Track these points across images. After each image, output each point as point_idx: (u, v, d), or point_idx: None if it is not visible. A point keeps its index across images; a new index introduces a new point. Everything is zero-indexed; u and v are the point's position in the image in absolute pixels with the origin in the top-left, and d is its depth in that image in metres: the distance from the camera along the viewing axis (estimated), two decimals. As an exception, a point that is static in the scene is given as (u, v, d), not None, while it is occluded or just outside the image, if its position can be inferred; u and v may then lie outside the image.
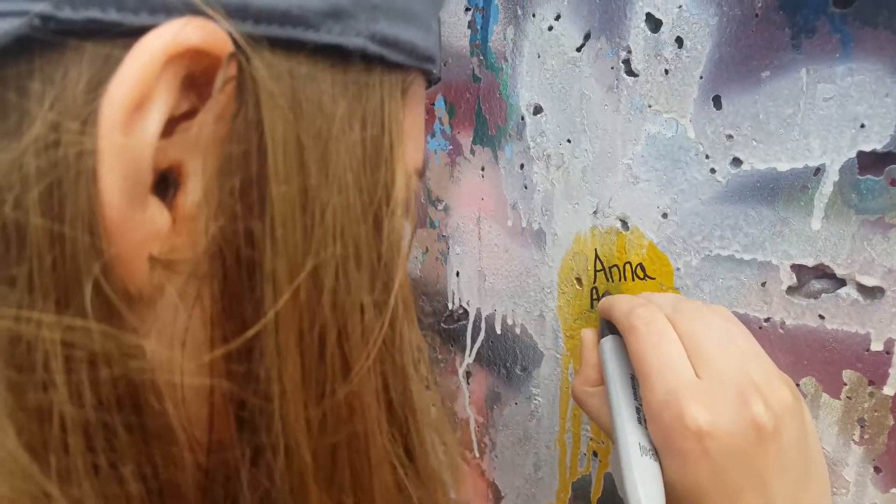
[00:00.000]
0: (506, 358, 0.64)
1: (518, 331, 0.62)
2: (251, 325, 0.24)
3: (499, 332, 0.64)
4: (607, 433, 0.46)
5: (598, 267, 0.54)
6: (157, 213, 0.23)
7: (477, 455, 0.70)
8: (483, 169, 0.60)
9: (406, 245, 0.29)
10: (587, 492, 0.59)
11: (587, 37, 0.50)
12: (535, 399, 0.62)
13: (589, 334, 0.51)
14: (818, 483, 0.39)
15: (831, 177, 0.41)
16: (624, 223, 0.51)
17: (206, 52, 0.22)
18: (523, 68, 0.55)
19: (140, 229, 0.22)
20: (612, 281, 0.53)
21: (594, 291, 0.55)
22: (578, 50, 0.51)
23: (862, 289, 0.41)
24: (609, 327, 0.47)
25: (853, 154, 0.40)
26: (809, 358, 0.44)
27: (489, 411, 0.67)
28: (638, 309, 0.42)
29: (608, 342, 0.47)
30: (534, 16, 0.53)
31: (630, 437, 0.39)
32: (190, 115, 0.23)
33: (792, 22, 0.40)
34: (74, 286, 0.21)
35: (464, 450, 0.71)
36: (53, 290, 0.21)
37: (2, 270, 0.21)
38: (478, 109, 0.59)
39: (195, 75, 0.23)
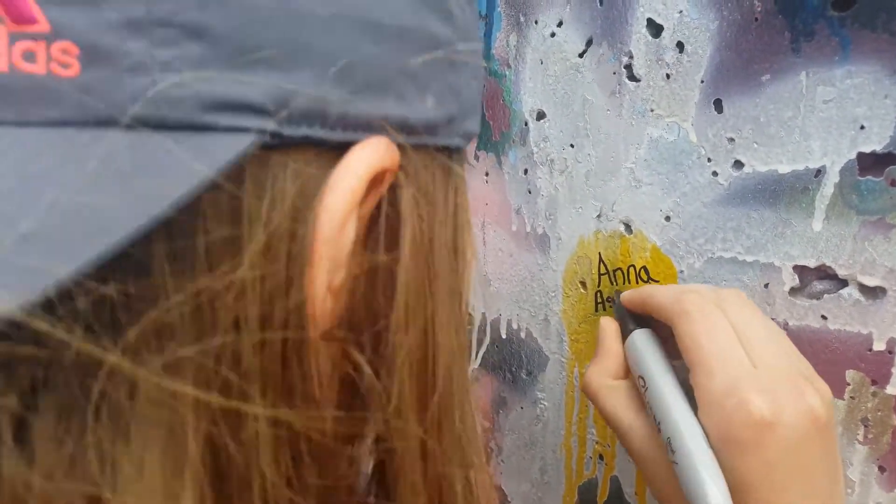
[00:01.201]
0: (511, 362, 0.64)
1: (523, 335, 0.62)
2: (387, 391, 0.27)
3: (504, 336, 0.64)
4: (620, 430, 0.44)
5: (603, 270, 0.54)
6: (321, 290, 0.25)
7: (484, 460, 0.70)
8: (487, 174, 0.61)
9: (466, 315, 0.32)
10: (594, 495, 0.60)
11: (589, 43, 0.51)
12: (541, 403, 0.63)
13: (610, 324, 0.49)
14: (840, 481, 0.39)
15: (832, 178, 0.41)
16: (627, 227, 0.52)
17: (392, 170, 0.25)
18: (526, 74, 0.55)
19: (324, 314, 0.24)
20: (616, 284, 0.54)
21: (598, 295, 0.55)
22: (581, 56, 0.51)
23: (864, 289, 0.42)
24: (634, 321, 0.46)
25: (853, 155, 0.40)
26: (812, 358, 0.44)
27: (495, 416, 0.67)
28: (688, 294, 0.41)
29: (642, 335, 0.45)
30: (536, 23, 0.54)
31: (697, 430, 0.37)
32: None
33: (791, 25, 0.41)
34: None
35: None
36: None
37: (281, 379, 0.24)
38: (482, 115, 0.59)
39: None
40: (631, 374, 0.45)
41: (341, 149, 0.24)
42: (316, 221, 0.23)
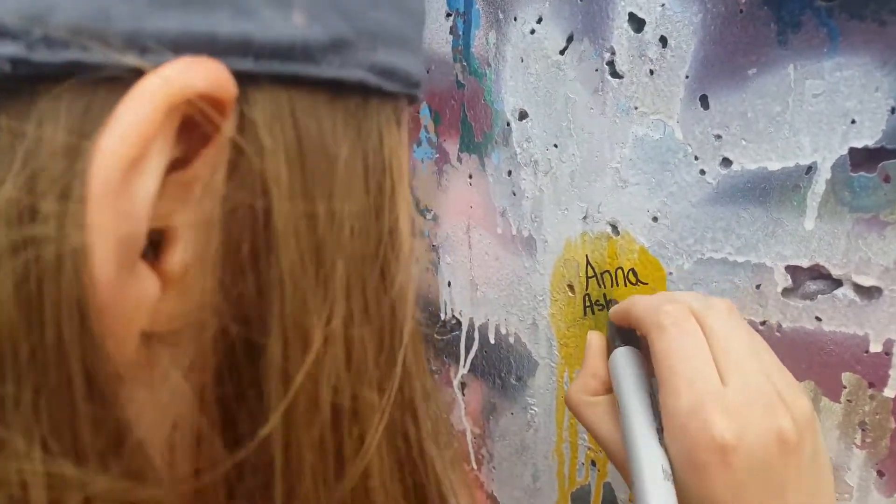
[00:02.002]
0: (500, 368, 0.62)
1: (512, 340, 0.61)
2: (256, 406, 0.22)
3: (492, 341, 0.62)
4: (603, 444, 0.44)
5: (590, 273, 0.53)
6: (146, 281, 0.20)
7: (475, 467, 0.69)
8: (470, 177, 0.59)
9: (413, 294, 0.27)
10: (586, 502, 0.58)
11: (570, 39, 0.49)
12: (532, 409, 0.61)
13: (596, 339, 0.48)
14: (828, 493, 0.38)
15: (823, 175, 0.40)
16: (614, 228, 0.50)
17: (213, 97, 0.20)
18: (507, 73, 0.54)
19: (130, 302, 0.20)
20: (604, 287, 0.52)
21: (587, 298, 0.53)
22: (562, 53, 0.50)
23: (859, 289, 0.40)
24: (621, 337, 0.45)
25: (845, 151, 0.39)
26: (808, 361, 0.43)
27: (485, 422, 0.66)
28: (666, 306, 0.40)
29: (623, 353, 0.43)
30: (515, 19, 0.52)
31: (653, 460, 0.37)
32: (181, 163, 0.21)
33: (777, 17, 0.39)
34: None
35: (461, 462, 0.70)
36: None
37: None
38: (463, 116, 0.58)
39: (192, 119, 0.20)
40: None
41: (138, 77, 0.18)
42: (89, 170, 0.18)
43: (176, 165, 0.20)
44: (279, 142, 0.22)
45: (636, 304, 0.42)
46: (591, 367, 0.46)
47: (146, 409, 0.21)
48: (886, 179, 0.38)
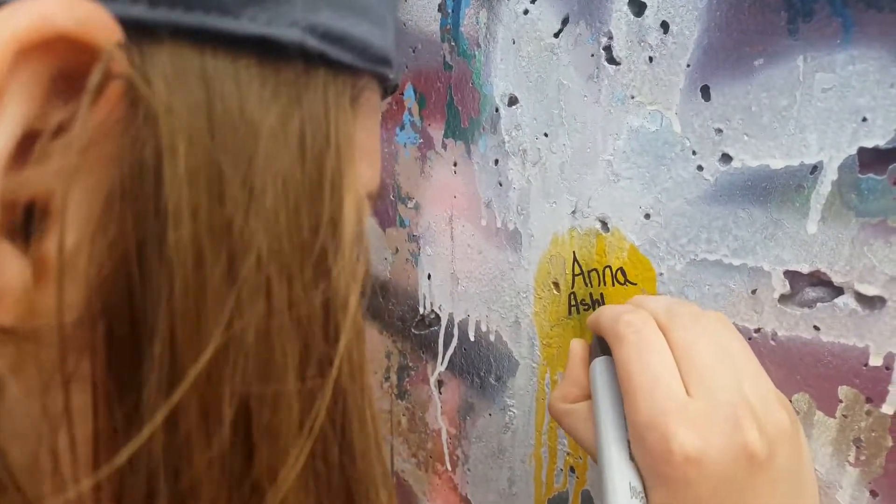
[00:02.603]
0: (479, 367, 0.60)
1: (492, 338, 0.58)
2: (146, 415, 0.19)
3: (472, 339, 0.60)
4: (588, 451, 0.42)
5: (577, 271, 0.50)
6: (12, 265, 0.17)
7: (449, 468, 0.66)
8: (455, 164, 0.56)
9: (356, 296, 0.24)
10: (564, 510, 0.56)
11: (565, 21, 0.46)
12: (510, 410, 0.58)
13: (578, 348, 0.46)
14: None
15: (829, 175, 0.37)
16: (604, 224, 0.48)
17: (82, 41, 0.17)
18: (497, 55, 0.51)
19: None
20: (591, 286, 0.49)
21: (572, 297, 0.51)
22: (556, 36, 0.47)
23: (861, 298, 0.38)
24: (602, 346, 0.43)
25: (854, 151, 0.36)
26: (803, 372, 0.41)
27: (462, 422, 0.63)
28: (626, 315, 0.38)
29: (600, 364, 0.42)
30: (508, -1, 0.49)
31: (620, 478, 0.35)
32: (62, 130, 0.18)
33: (788, 4, 0.37)
34: None
35: (435, 462, 0.67)
36: None
37: None
38: (449, 100, 0.55)
39: (70, 75, 0.17)
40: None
41: None
42: None
43: (56, 134, 0.17)
44: (180, 104, 0.19)
45: (602, 314, 0.41)
46: (573, 376, 0.45)
47: (7, 416, 0.18)
48: (897, 183, 0.35)
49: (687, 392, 0.35)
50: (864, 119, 0.35)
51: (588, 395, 0.43)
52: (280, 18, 0.20)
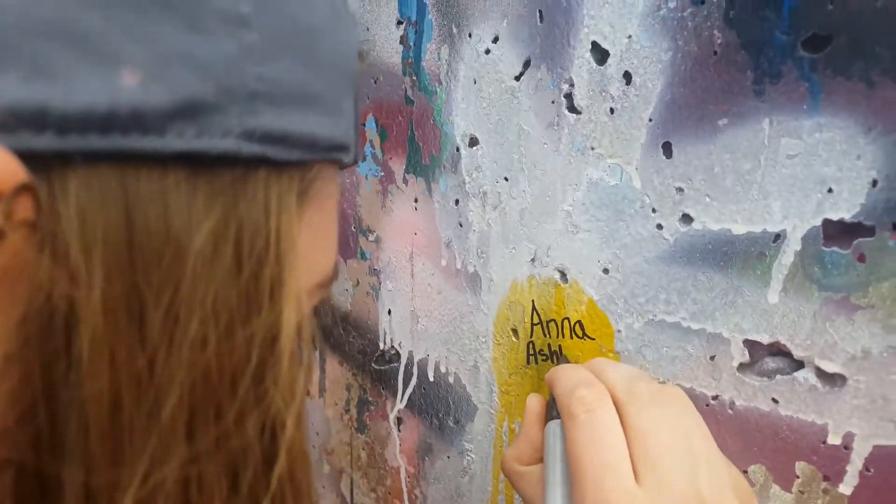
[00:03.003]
0: (438, 408, 0.58)
1: (451, 380, 0.56)
2: None
3: (431, 379, 0.58)
4: None
5: (536, 320, 0.48)
6: None
7: (407, 506, 0.64)
8: (416, 201, 0.54)
9: (295, 416, 0.22)
10: (518, 561, 0.54)
11: (527, 64, 0.44)
12: (468, 455, 0.56)
13: (535, 405, 0.43)
14: None
15: (792, 245, 0.35)
16: (563, 275, 0.45)
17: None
18: (458, 94, 0.48)
19: None
20: (550, 336, 0.47)
21: (531, 346, 0.49)
22: (517, 79, 0.45)
23: (821, 374, 0.36)
24: (557, 407, 0.40)
25: (818, 222, 0.34)
26: (760, 445, 0.39)
27: (420, 462, 0.61)
28: (581, 390, 0.36)
29: (555, 427, 0.39)
30: (470, 36, 0.47)
31: None
32: None
33: (755, 64, 0.35)
34: None
35: (394, 499, 0.66)
36: None
37: None
38: (410, 135, 0.53)
39: None
40: None
41: None
42: None
43: None
44: (96, 234, 0.17)
45: (557, 380, 0.38)
46: (528, 435, 0.42)
47: None
48: (861, 259, 0.33)
49: (637, 479, 0.32)
50: (830, 190, 0.33)
51: (541, 458, 0.41)
52: (211, 129, 0.19)
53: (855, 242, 0.33)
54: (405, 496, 0.64)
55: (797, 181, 0.34)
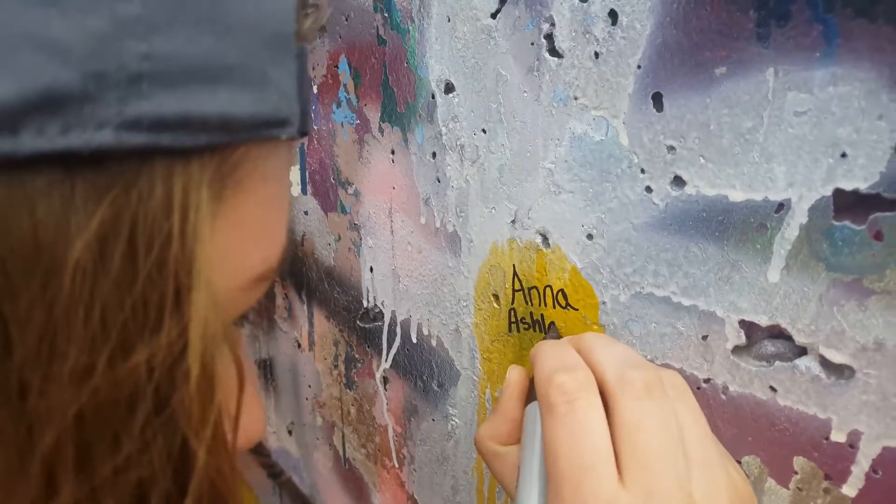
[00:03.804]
0: (422, 370, 0.55)
1: (434, 343, 0.52)
2: None
3: (415, 340, 0.54)
4: (512, 499, 0.37)
5: (517, 286, 0.44)
6: None
7: (396, 465, 0.62)
8: (393, 153, 0.49)
9: (206, 445, 0.20)
10: (504, 530, 0.52)
11: (503, 0, 0.38)
12: (452, 420, 0.53)
13: (516, 379, 0.39)
14: None
15: (798, 217, 0.30)
16: (545, 239, 0.41)
17: None
18: (432, 33, 0.43)
19: None
20: (532, 304, 0.43)
21: (512, 313, 0.45)
22: (493, 16, 0.39)
23: (826, 364, 0.31)
24: None
25: (828, 191, 0.29)
26: (755, 434, 0.35)
27: (407, 423, 0.59)
28: (561, 375, 0.31)
29: (536, 411, 0.35)
30: (442, -34, 0.41)
31: None
32: None
33: (759, 2, 0.29)
34: None
35: (383, 457, 0.63)
36: None
37: None
38: (384, 79, 0.48)
39: None
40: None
41: None
42: None
43: None
44: None
45: (537, 360, 0.33)
46: (506, 411, 0.38)
47: None
48: (877, 236, 0.28)
49: (622, 480, 0.29)
50: (844, 154, 0.28)
51: (518, 438, 0.37)
52: (82, 122, 0.15)
53: (871, 217, 0.28)
54: (394, 455, 0.62)
55: (805, 143, 0.29)
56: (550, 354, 0.34)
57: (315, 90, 0.54)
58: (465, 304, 0.48)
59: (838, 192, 0.29)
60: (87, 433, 0.18)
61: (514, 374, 0.39)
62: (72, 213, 0.16)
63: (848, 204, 0.29)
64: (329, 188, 0.57)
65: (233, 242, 0.21)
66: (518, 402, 0.38)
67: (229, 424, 0.23)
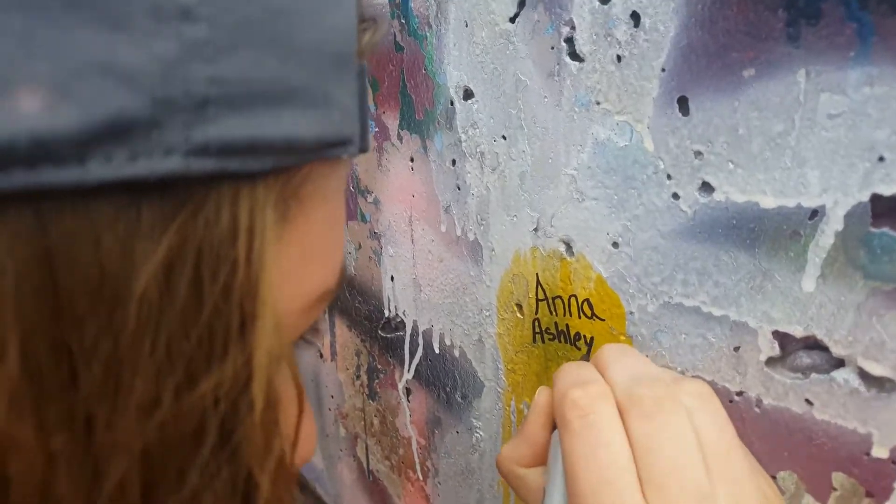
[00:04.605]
0: (445, 381, 0.54)
1: (457, 353, 0.52)
2: None
3: (437, 351, 0.53)
4: None
5: (541, 296, 0.43)
6: None
7: (420, 477, 0.61)
8: (412, 160, 0.49)
9: (275, 458, 0.20)
10: (530, 546, 0.50)
11: (522, 4, 0.37)
12: (477, 432, 0.53)
13: (543, 400, 0.37)
14: None
15: (833, 224, 0.29)
16: (568, 247, 0.40)
17: None
18: (450, 39, 0.42)
19: None
20: (556, 314, 0.42)
21: (536, 324, 0.44)
22: (512, 21, 0.38)
23: (865, 376, 0.30)
24: None
25: (866, 197, 0.28)
26: (791, 450, 0.33)
27: (431, 435, 0.58)
28: (574, 392, 0.30)
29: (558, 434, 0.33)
30: (459, -29, 0.40)
31: None
32: None
33: (789, 1, 0.28)
34: None
35: (407, 469, 0.63)
36: None
37: None
38: (402, 87, 0.47)
39: None
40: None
41: None
42: None
43: None
44: (12, 290, 0.15)
45: (554, 383, 0.33)
46: (529, 434, 0.36)
47: None
48: (919, 244, 0.27)
49: (644, 498, 0.27)
50: (882, 158, 0.27)
51: (543, 460, 0.36)
52: (149, 149, 0.15)
53: (912, 223, 0.27)
54: (418, 467, 0.61)
55: (840, 146, 0.28)
56: (567, 372, 0.33)
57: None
58: (487, 313, 0.47)
59: (876, 198, 0.27)
60: (153, 467, 0.17)
61: (542, 397, 0.37)
62: (138, 241, 0.16)
63: (886, 210, 0.27)
64: (349, 197, 0.56)
65: (295, 264, 0.20)
66: (543, 425, 0.36)
67: (288, 448, 0.23)
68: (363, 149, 0.22)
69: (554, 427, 0.36)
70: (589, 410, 0.29)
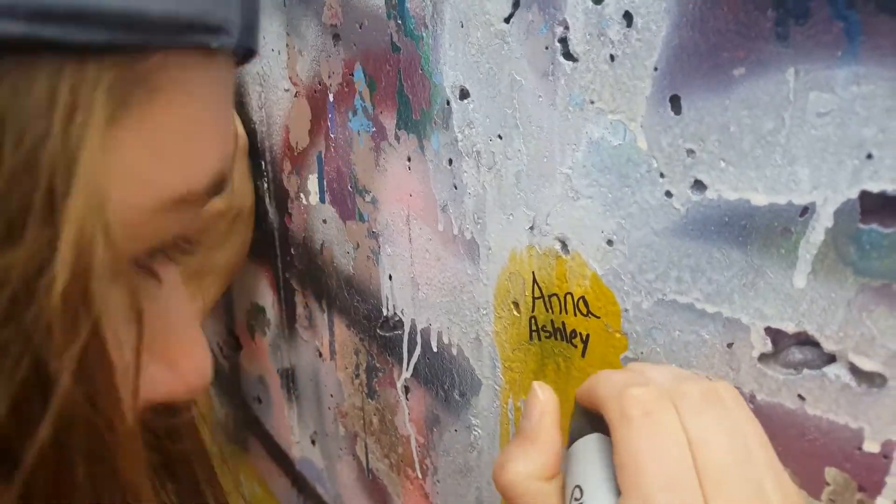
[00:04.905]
0: (443, 379, 0.54)
1: (454, 352, 0.52)
2: None
3: (435, 349, 0.54)
4: None
5: (537, 294, 0.43)
6: None
7: (420, 476, 0.62)
8: (409, 160, 0.49)
9: (77, 351, 0.18)
10: (528, 543, 0.51)
11: (516, 4, 0.38)
12: (475, 430, 0.53)
13: (548, 397, 0.35)
14: None
15: (823, 221, 0.29)
16: (564, 245, 0.40)
17: None
18: (445, 39, 0.43)
19: None
20: (553, 312, 0.43)
21: (533, 321, 0.44)
22: (507, 21, 0.38)
23: (856, 371, 0.30)
24: (591, 421, 0.33)
25: (855, 194, 0.28)
26: (784, 445, 0.34)
27: (429, 433, 0.58)
28: (634, 389, 0.29)
29: (594, 442, 0.32)
30: (454, -28, 0.41)
31: None
32: None
33: (777, 0, 0.28)
34: None
35: (406, 467, 0.63)
36: None
37: None
38: (399, 87, 0.47)
39: None
40: (562, 477, 0.33)
41: None
42: None
43: None
44: None
45: (600, 383, 0.31)
46: (548, 441, 0.34)
47: None
48: (907, 239, 0.27)
49: (704, 497, 0.27)
50: (870, 156, 0.27)
51: (555, 472, 0.34)
52: None
53: (900, 220, 0.27)
54: (417, 465, 0.61)
55: (829, 144, 0.28)
56: (615, 375, 0.32)
57: (331, 98, 0.54)
58: (484, 312, 0.48)
59: (865, 195, 0.28)
60: None
61: (547, 395, 0.35)
62: None
63: (875, 206, 0.28)
64: (347, 196, 0.57)
65: (140, 156, 0.19)
66: (559, 430, 0.34)
67: (127, 377, 0.21)
68: (244, 44, 0.20)
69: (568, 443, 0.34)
70: (653, 407, 0.28)
